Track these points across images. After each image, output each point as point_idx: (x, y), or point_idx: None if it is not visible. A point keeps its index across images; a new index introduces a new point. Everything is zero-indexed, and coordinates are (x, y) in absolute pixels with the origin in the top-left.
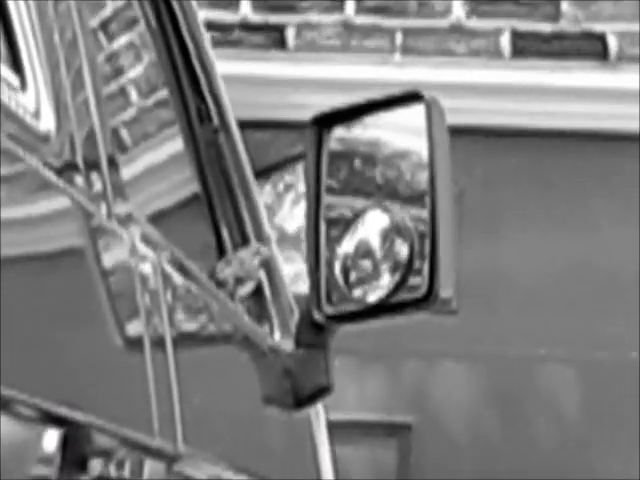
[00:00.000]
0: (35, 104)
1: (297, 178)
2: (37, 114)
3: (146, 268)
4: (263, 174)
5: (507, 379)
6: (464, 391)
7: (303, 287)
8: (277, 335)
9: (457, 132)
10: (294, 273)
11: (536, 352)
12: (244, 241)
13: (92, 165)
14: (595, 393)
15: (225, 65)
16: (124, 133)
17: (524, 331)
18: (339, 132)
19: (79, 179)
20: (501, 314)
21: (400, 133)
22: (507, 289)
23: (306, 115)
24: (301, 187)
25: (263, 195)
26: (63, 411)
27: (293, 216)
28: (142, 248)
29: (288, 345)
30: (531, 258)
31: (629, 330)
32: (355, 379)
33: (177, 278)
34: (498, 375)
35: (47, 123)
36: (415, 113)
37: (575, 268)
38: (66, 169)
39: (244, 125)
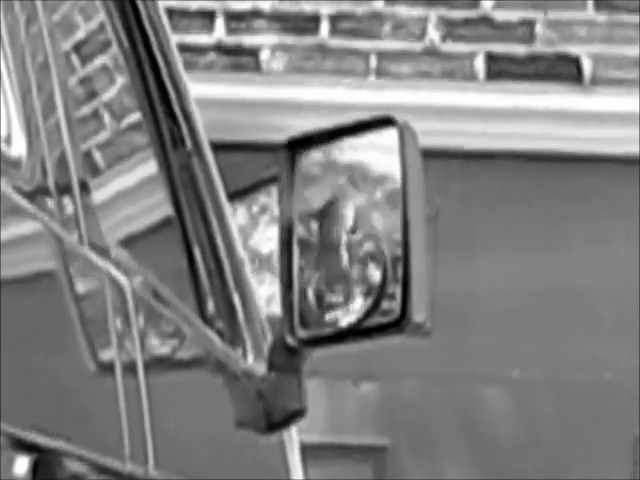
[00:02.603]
0: (6, 129)
1: (271, 200)
2: (8, 140)
3: (118, 292)
4: (237, 196)
5: (481, 400)
6: (439, 412)
7: (276, 310)
8: (250, 359)
9: (432, 154)
10: (268, 296)
11: (510, 373)
12: (217, 264)
13: (64, 189)
14: (569, 414)
15: (199, 88)
16: (97, 156)
17: (498, 352)
18: (312, 155)
19: (50, 203)
20: (475, 335)
21: (373, 157)
22: (481, 310)
23: (280, 137)
24: (275, 209)
25: (237, 217)
26: (34, 437)
27: (267, 238)
28: (114, 272)
29: (261, 369)
30: (505, 279)
31: (603, 351)
32: (329, 401)
33: (149, 302)
34: (472, 397)
35: (18, 148)
36: (388, 137)
37: (548, 289)
38: (37, 193)
39: (218, 147)
